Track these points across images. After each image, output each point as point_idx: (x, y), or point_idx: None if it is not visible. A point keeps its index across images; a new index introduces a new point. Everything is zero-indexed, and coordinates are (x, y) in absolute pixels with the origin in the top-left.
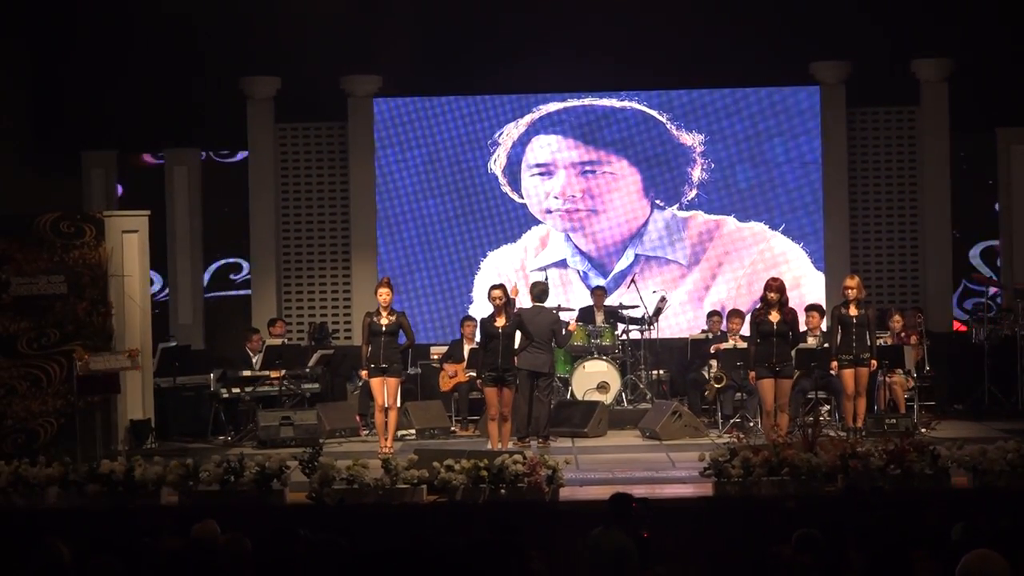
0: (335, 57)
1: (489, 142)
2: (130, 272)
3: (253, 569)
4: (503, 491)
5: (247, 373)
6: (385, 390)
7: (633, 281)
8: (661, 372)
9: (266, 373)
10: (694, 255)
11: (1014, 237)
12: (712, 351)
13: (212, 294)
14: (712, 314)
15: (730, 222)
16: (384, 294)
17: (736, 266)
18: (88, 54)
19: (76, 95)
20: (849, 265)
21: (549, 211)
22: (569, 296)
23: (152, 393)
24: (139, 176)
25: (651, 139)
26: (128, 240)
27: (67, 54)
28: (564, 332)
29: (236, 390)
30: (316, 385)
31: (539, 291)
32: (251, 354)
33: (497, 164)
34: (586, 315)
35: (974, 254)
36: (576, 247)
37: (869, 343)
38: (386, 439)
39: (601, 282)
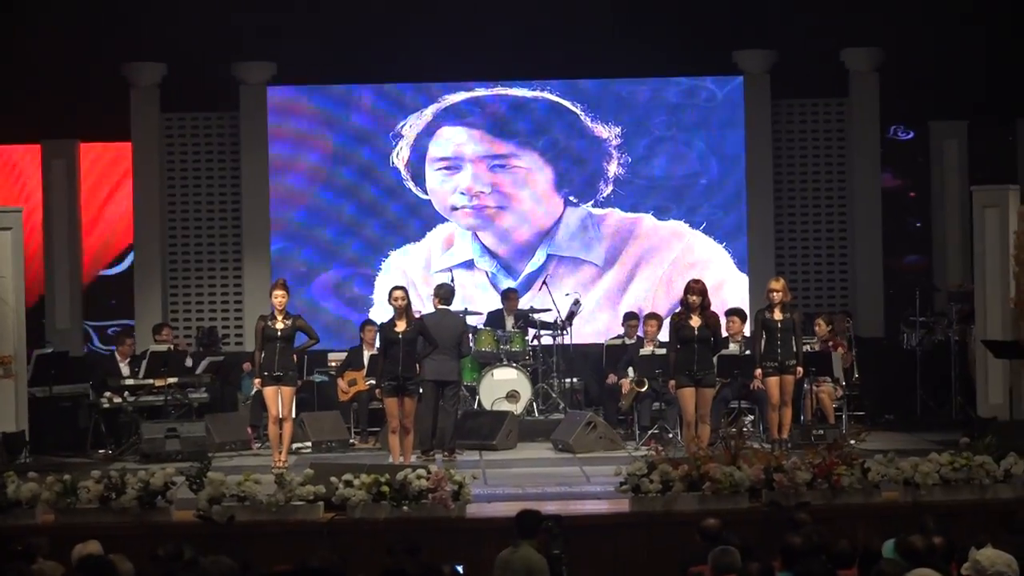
0: (226, 42)
1: (391, 134)
2: (3, 273)
3: None
4: (406, 508)
5: (130, 382)
6: (279, 400)
7: (545, 283)
8: (575, 380)
9: (150, 381)
10: (610, 255)
11: (947, 237)
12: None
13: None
14: (628, 316)
15: (648, 220)
16: (279, 296)
17: (654, 267)
18: None
19: None
20: (774, 266)
21: (455, 208)
22: (476, 299)
23: (26, 404)
24: None
25: (564, 132)
26: (1, 238)
27: None
28: (470, 340)
29: (117, 400)
30: (204, 394)
31: (444, 293)
32: (120, 359)
33: (400, 158)
34: (495, 319)
35: None
36: (484, 247)
37: (795, 349)
38: (280, 452)
39: (511, 284)
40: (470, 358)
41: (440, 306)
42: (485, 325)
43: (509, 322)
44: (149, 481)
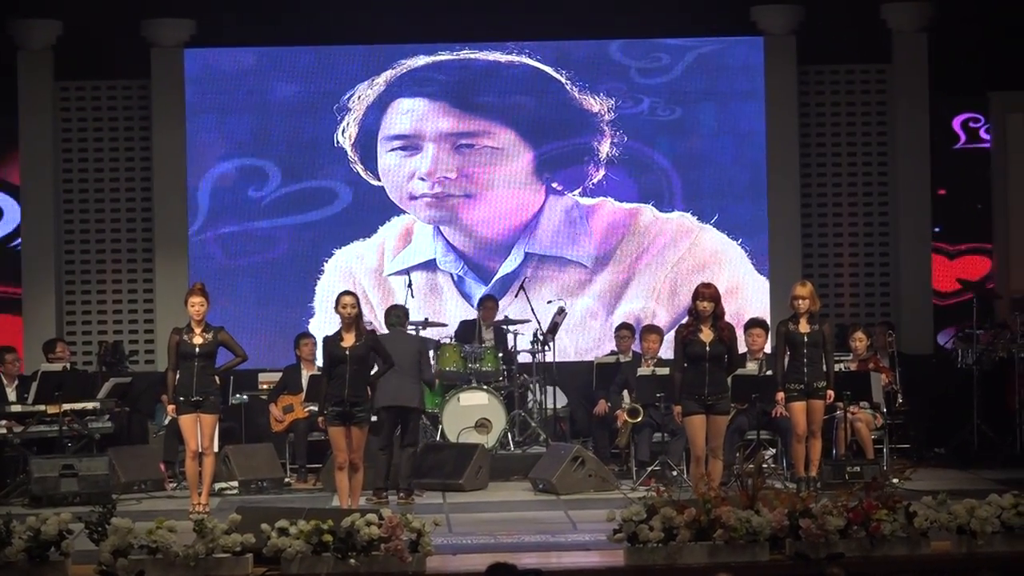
0: None
1: (336, 107)
2: None
3: None
4: (353, 561)
5: (16, 408)
6: (199, 430)
7: (522, 288)
8: (558, 406)
9: (41, 408)
10: (602, 254)
11: (1011, 230)
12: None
13: None
14: (622, 328)
15: (647, 212)
16: (197, 304)
17: (656, 269)
18: None
19: None
20: (800, 268)
21: (413, 197)
22: (440, 307)
23: None
24: None
25: (546, 104)
26: None
27: None
28: (431, 364)
29: (1, 431)
30: (108, 424)
31: (395, 318)
32: (4, 381)
33: (346, 136)
34: (466, 332)
35: None
36: (448, 243)
37: (825, 368)
38: (200, 494)
39: (483, 289)
40: None
41: (392, 330)
42: (455, 339)
43: (487, 336)
44: (40, 529)
